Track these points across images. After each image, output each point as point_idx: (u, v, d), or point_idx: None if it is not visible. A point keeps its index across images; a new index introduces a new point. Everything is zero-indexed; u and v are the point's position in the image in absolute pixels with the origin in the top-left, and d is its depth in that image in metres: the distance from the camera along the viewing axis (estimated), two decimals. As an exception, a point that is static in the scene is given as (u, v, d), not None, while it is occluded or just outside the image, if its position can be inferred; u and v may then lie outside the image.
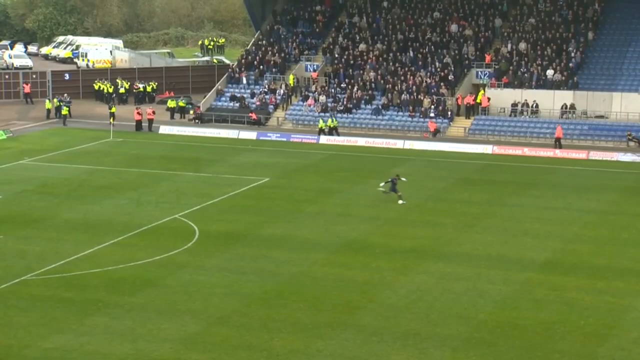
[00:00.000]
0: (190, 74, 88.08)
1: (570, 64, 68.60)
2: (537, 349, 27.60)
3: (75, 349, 27.27)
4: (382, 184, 46.78)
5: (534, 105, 67.45)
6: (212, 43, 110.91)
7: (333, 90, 73.05)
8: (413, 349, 27.49)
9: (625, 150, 61.28)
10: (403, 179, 46.55)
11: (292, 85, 74.58)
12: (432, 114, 68.50)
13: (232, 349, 27.38)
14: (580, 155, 59.83)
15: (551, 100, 67.31)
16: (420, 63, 72.92)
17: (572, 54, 69.43)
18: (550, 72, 68.38)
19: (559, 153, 60.46)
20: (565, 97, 67.02)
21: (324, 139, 64.98)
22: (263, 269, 35.02)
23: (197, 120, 72.28)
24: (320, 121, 67.57)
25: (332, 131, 66.70)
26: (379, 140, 64.42)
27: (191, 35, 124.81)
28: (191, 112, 74.03)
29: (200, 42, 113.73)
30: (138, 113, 69.17)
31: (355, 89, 72.12)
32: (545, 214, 44.08)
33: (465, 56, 72.62)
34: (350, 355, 27.13)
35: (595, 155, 59.64)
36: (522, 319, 29.91)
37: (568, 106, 66.66)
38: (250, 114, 71.83)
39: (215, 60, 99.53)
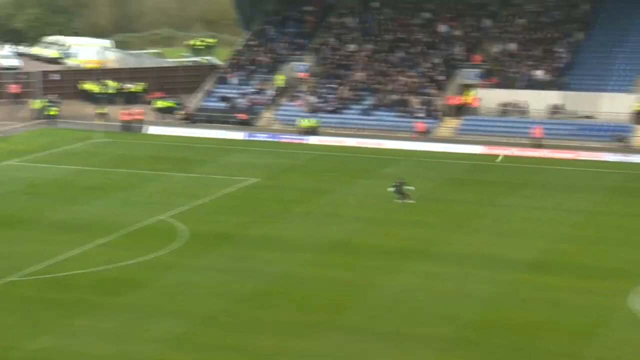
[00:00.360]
0: (179, 75, 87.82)
1: (560, 65, 68.69)
2: (523, 348, 27.58)
3: (61, 350, 27.15)
4: (389, 188, 46.56)
5: (523, 106, 67.52)
6: (201, 43, 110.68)
7: (322, 90, 73.00)
8: (399, 349, 27.45)
9: (613, 150, 61.35)
10: (411, 187, 46.39)
11: (281, 85, 74.50)
12: (421, 114, 68.51)
13: (219, 350, 27.30)
14: (569, 155, 59.93)
15: (540, 101, 67.40)
16: (409, 63, 72.93)
17: (562, 55, 69.51)
18: (539, 73, 68.45)
19: (547, 153, 60.53)
20: (554, 97, 67.11)
21: (315, 139, 64.88)
22: (251, 269, 34.95)
23: (187, 120, 72.14)
24: (300, 120, 67.57)
25: (312, 131, 66.52)
26: (368, 141, 64.41)
27: (181, 35, 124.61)
28: (179, 112, 73.85)
29: (190, 42, 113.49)
30: (127, 113, 69.04)
31: (344, 89, 72.08)
32: (534, 214, 44.13)
33: (455, 56, 72.64)
34: (337, 355, 27.08)
35: (584, 155, 59.73)
36: (509, 319, 29.89)
37: (557, 106, 66.74)
38: (239, 114, 71.75)
39: (204, 60, 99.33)
